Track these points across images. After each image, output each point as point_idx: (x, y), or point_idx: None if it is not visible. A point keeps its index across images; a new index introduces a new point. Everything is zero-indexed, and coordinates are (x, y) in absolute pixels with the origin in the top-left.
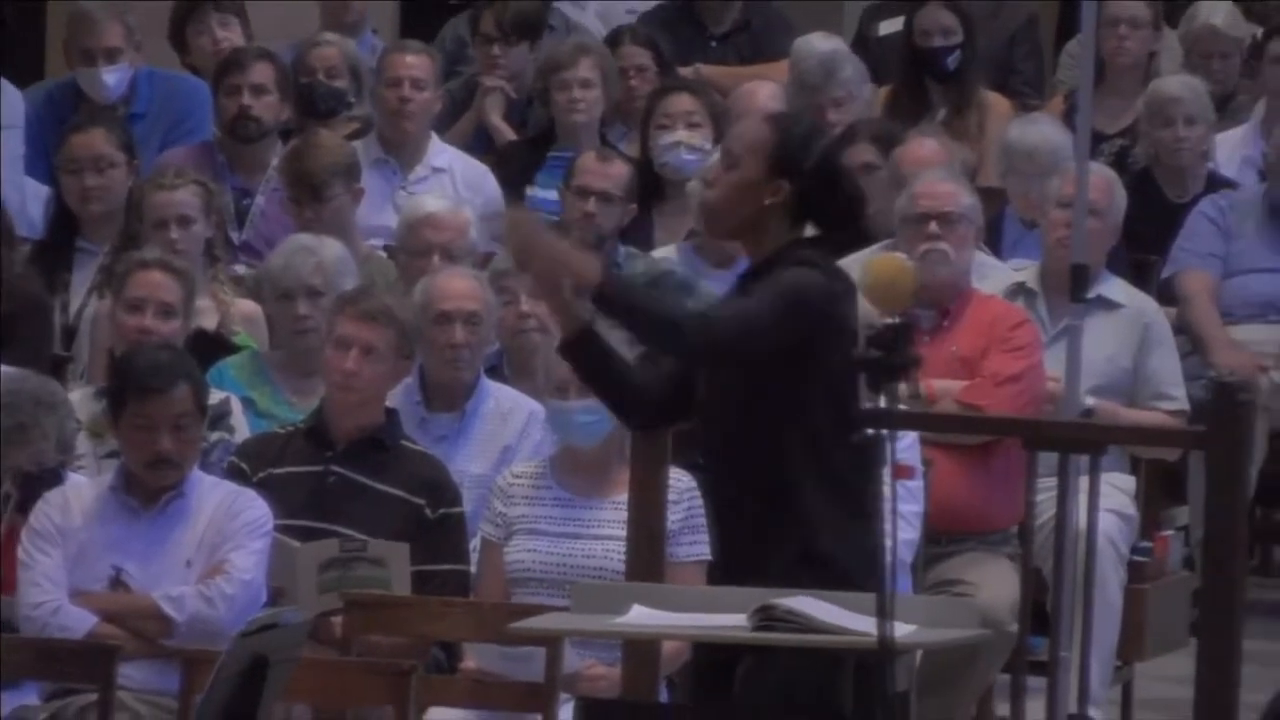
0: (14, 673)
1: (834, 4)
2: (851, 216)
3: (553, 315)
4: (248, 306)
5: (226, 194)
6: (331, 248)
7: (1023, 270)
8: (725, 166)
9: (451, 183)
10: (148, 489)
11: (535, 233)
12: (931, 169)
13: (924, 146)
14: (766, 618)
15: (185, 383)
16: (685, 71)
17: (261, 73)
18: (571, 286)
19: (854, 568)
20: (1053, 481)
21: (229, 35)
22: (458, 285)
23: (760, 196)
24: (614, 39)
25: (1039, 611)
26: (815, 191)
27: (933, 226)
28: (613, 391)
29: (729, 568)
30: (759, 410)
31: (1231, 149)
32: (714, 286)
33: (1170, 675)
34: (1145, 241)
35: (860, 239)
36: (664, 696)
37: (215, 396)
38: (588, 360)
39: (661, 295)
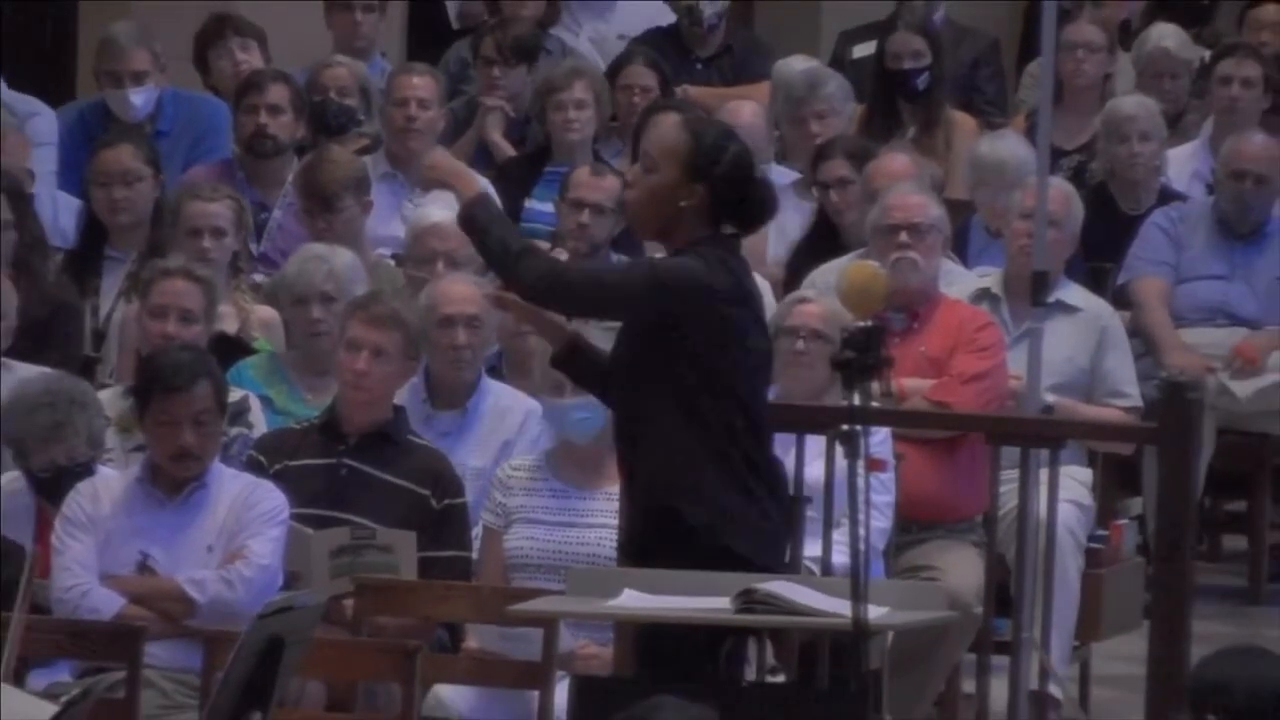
0: (47, 652)
1: (810, 29)
2: (761, 217)
3: (541, 334)
4: (266, 312)
5: (247, 210)
6: (343, 256)
7: (987, 276)
8: (644, 170)
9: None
10: (172, 480)
11: None
12: (902, 183)
13: (895, 161)
14: (748, 601)
15: (206, 381)
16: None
17: (278, 93)
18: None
19: (739, 544)
20: (1015, 474)
21: (248, 58)
22: (460, 290)
23: (676, 199)
24: (623, 60)
25: (1002, 595)
26: (727, 194)
27: (903, 236)
28: (603, 385)
29: (619, 538)
30: (639, 383)
31: (1182, 164)
32: None
33: (1124, 655)
34: (1101, 250)
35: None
36: None
37: (235, 394)
38: (577, 368)
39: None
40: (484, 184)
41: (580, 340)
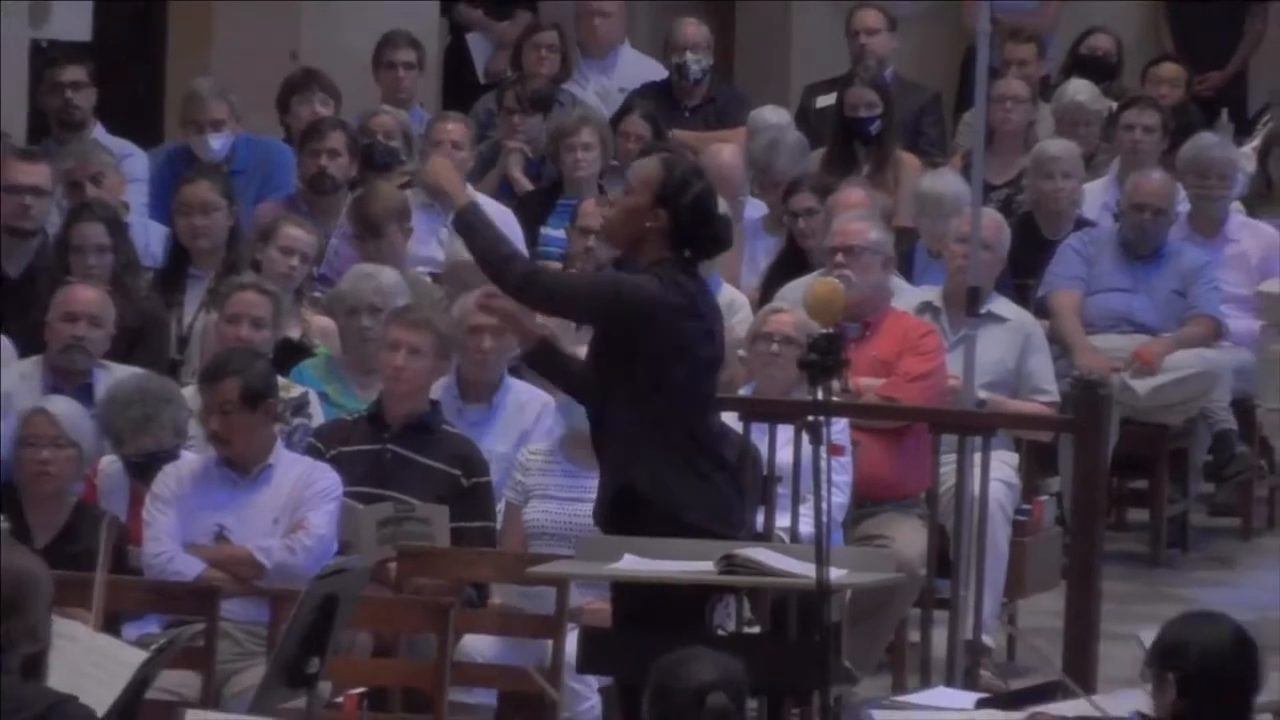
0: (138, 608)
1: (781, 83)
2: (716, 248)
3: (514, 335)
4: (324, 322)
5: (315, 235)
6: (388, 274)
7: (929, 292)
8: (623, 192)
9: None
10: (244, 463)
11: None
12: (849, 211)
13: (852, 195)
14: (729, 564)
15: (235, 377)
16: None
17: (336, 139)
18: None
19: (691, 515)
20: (953, 457)
21: (324, 110)
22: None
23: (643, 220)
24: (622, 110)
25: (942, 559)
26: (688, 222)
27: (839, 257)
28: (569, 384)
29: (595, 510)
30: (604, 380)
31: (1093, 197)
32: None
33: (1045, 609)
34: (1025, 269)
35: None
36: None
37: (296, 391)
38: (548, 366)
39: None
40: (471, 192)
41: (552, 342)
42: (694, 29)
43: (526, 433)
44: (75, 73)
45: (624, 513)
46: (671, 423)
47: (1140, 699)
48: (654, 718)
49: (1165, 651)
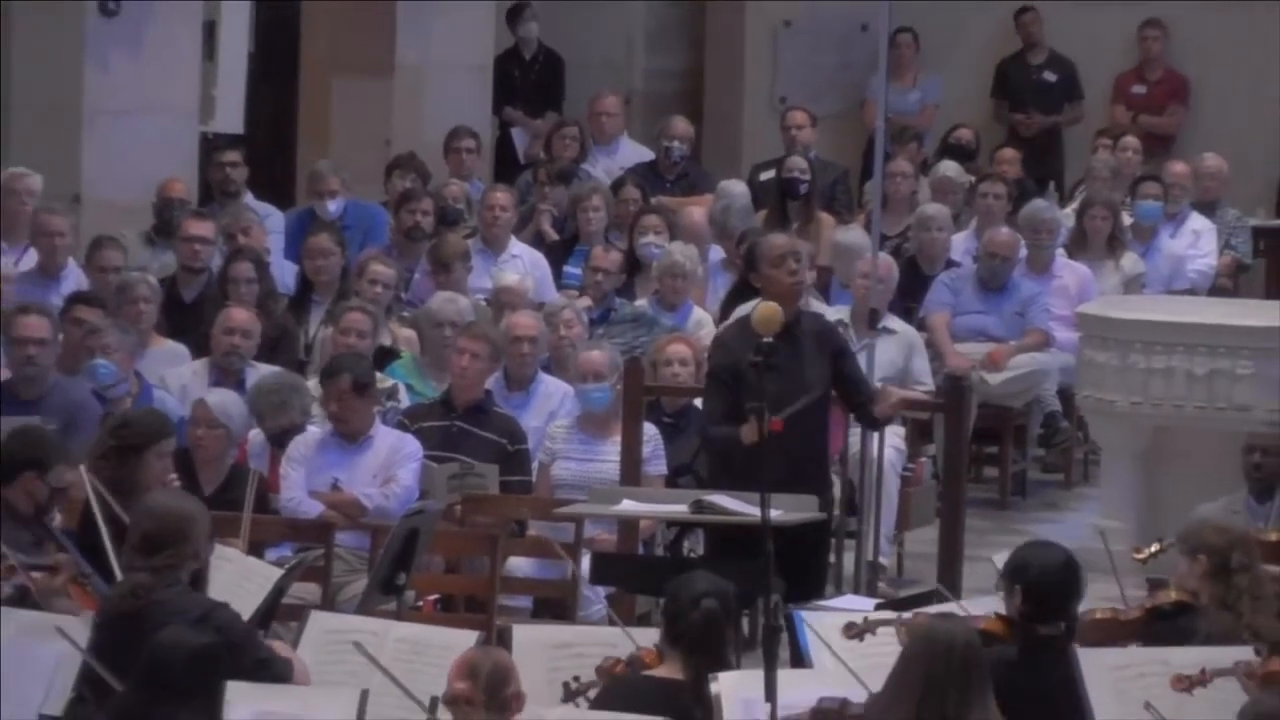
0: (276, 538)
1: (734, 162)
2: None
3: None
4: (407, 333)
5: (399, 272)
6: (460, 300)
7: (841, 311)
8: None
9: (521, 264)
10: (352, 434)
11: None
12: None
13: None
14: (699, 507)
15: (346, 373)
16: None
17: (425, 205)
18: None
19: None
20: (859, 429)
21: (415, 186)
22: (524, 320)
23: None
24: (620, 182)
25: (851, 503)
26: None
27: None
28: None
29: None
30: None
31: (959, 245)
32: (666, 320)
33: (924, 539)
34: (910, 296)
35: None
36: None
37: (389, 382)
38: None
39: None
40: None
41: None
42: (682, 125)
43: (554, 413)
44: (232, 155)
45: None
46: None
47: (995, 604)
48: (667, 616)
49: (1014, 569)
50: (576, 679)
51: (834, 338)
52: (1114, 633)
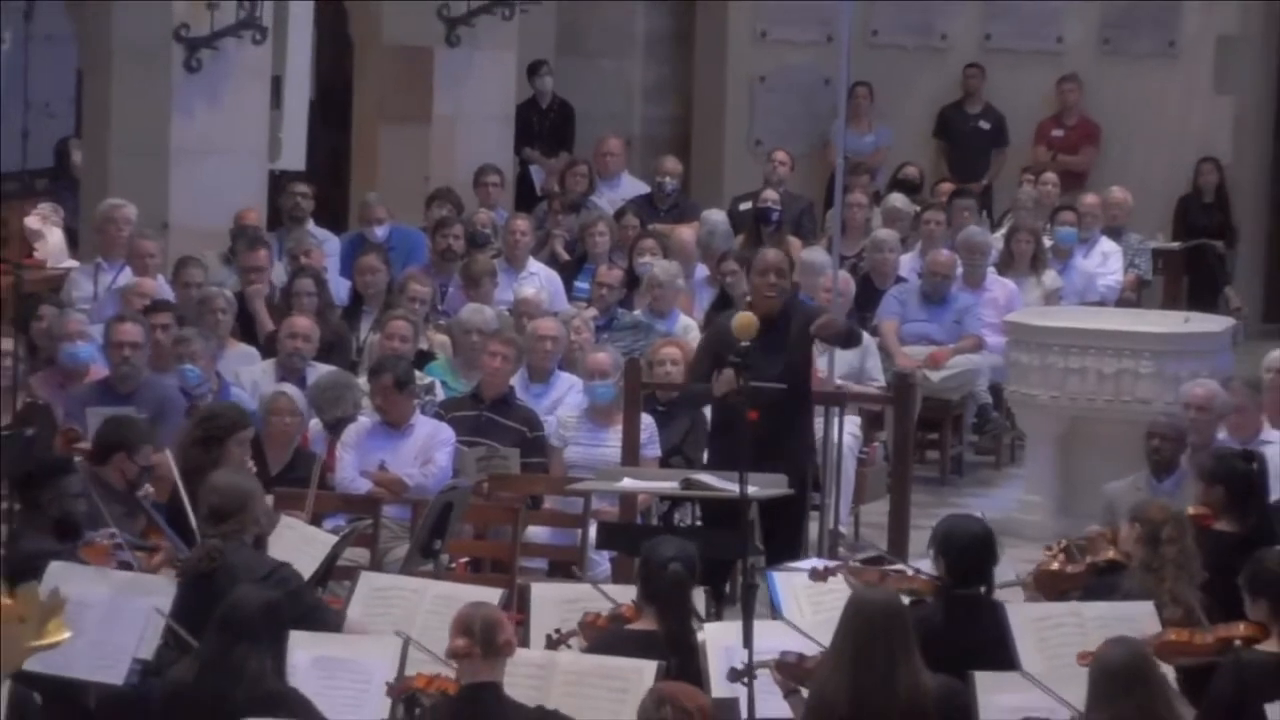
0: (332, 509)
1: (717, 194)
2: None
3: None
4: (442, 338)
5: (435, 287)
6: (487, 310)
7: None
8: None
9: (538, 280)
10: (396, 423)
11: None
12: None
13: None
14: (688, 484)
15: (390, 373)
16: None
17: (458, 230)
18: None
19: None
20: (822, 419)
21: (450, 215)
22: (545, 325)
23: None
24: (622, 211)
25: (816, 480)
26: None
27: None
28: None
29: None
30: None
31: (906, 264)
32: (659, 327)
33: (878, 511)
34: (865, 307)
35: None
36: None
37: (427, 380)
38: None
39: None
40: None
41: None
42: (673, 164)
43: (566, 403)
44: (303, 187)
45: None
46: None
47: (932, 567)
48: (640, 578)
49: (938, 539)
50: (558, 630)
51: (813, 318)
52: (1061, 584)
